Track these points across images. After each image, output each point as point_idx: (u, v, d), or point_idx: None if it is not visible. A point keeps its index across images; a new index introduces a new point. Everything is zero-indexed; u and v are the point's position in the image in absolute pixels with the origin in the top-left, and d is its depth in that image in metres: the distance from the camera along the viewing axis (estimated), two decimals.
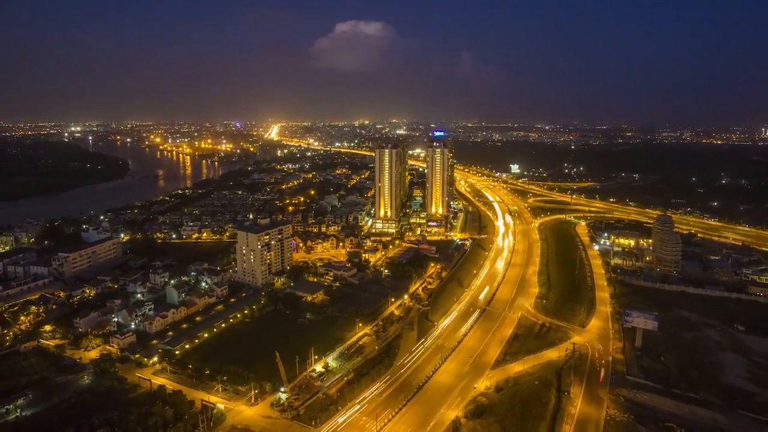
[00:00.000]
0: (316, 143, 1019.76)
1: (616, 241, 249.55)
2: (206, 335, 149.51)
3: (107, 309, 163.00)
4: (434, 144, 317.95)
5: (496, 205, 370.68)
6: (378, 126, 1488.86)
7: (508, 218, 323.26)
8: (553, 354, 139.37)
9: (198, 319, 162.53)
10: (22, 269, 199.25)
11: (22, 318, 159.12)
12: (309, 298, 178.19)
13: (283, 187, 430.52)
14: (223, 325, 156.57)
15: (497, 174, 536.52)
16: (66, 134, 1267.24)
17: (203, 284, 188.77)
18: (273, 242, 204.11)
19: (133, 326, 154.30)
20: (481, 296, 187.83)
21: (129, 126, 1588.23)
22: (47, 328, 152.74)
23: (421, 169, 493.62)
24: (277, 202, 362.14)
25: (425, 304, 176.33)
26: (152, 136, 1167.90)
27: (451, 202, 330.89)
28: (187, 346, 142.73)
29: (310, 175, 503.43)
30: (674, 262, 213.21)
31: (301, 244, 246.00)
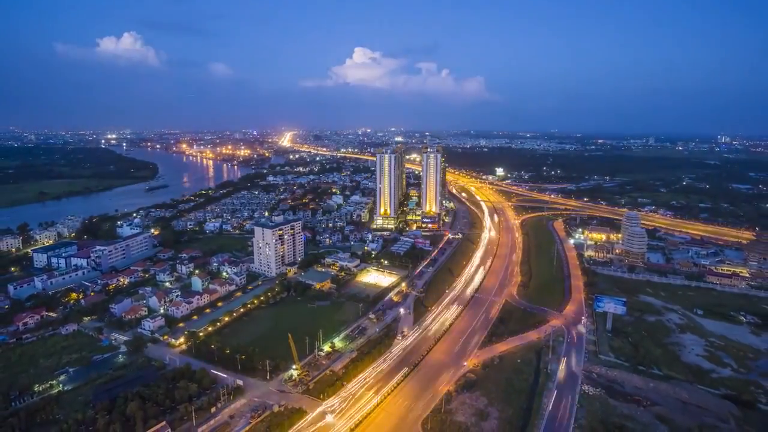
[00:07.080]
0: (324, 149, 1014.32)
1: (589, 235, 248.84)
2: (226, 319, 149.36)
3: (139, 296, 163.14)
4: (429, 150, 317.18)
5: (483, 204, 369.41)
6: (379, 134, 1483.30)
7: (494, 216, 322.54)
8: (533, 335, 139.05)
9: (219, 304, 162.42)
10: (64, 260, 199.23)
11: (63, 303, 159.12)
12: (318, 286, 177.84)
13: (295, 187, 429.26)
14: (241, 310, 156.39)
15: (484, 177, 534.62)
16: (102, 141, 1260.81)
17: (224, 274, 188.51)
18: (286, 237, 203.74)
19: (162, 311, 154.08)
20: (470, 284, 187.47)
21: (158, 133, 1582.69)
22: (86, 312, 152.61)
23: (417, 172, 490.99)
24: (289, 201, 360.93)
25: (420, 291, 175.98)
26: (179, 143, 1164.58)
27: (444, 202, 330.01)
28: (209, 329, 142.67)
29: (319, 177, 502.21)
30: (640, 255, 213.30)
31: (310, 238, 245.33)
